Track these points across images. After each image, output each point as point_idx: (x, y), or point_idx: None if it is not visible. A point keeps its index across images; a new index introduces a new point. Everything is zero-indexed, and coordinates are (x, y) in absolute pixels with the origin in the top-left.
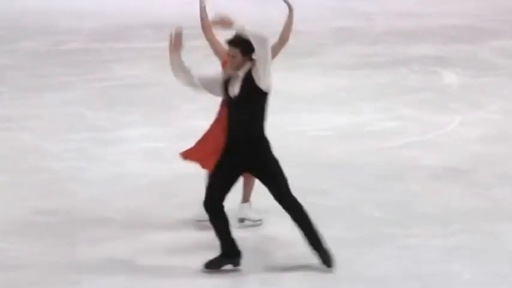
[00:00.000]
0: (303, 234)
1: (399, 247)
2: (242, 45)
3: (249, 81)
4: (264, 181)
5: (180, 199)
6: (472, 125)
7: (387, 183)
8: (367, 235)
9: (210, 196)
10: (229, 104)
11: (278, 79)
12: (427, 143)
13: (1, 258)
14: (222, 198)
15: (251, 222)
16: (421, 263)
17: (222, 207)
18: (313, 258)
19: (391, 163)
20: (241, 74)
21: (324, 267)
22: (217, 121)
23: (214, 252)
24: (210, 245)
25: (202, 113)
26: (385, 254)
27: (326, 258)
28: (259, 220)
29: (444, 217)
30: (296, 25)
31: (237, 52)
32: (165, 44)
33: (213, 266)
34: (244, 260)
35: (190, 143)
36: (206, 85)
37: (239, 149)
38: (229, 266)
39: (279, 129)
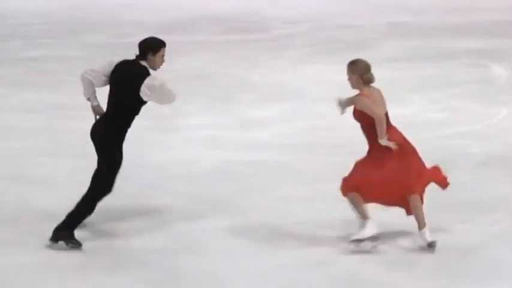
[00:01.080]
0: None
1: (445, 233)
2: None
3: None
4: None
5: (237, 185)
6: None
7: None
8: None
9: None
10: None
11: (330, 71)
12: (475, 132)
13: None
14: None
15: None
16: (468, 248)
17: None
18: None
19: (439, 152)
20: None
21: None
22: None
23: (278, 239)
24: (265, 232)
25: (259, 103)
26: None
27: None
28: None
29: (491, 204)
30: (347, 19)
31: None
32: (224, 38)
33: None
34: None
35: (248, 132)
36: None
37: None
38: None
39: (332, 119)
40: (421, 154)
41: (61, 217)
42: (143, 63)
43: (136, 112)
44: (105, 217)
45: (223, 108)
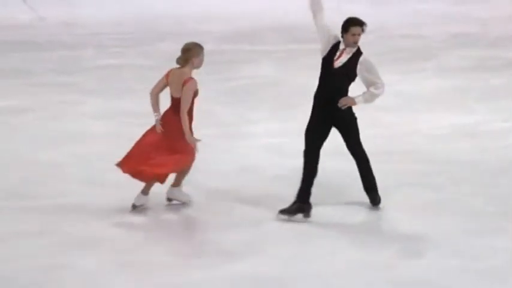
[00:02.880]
0: (363, 177)
1: (509, 239)
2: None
3: (354, 59)
4: (344, 133)
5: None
6: None
7: (498, 179)
8: (479, 227)
9: (308, 146)
10: (326, 71)
11: (397, 81)
12: None
13: (133, 242)
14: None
15: (179, 202)
16: None
17: (317, 158)
18: None
19: (502, 160)
20: (349, 50)
21: (372, 205)
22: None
23: (315, 242)
24: (322, 234)
25: None
26: (496, 245)
27: (375, 199)
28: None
29: None
30: (414, 30)
31: (361, 31)
32: (289, 47)
33: (287, 213)
34: None
35: None
36: (322, 32)
37: (331, 109)
38: (300, 217)
39: (397, 127)
40: (484, 162)
41: (129, 220)
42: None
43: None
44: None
45: (289, 116)
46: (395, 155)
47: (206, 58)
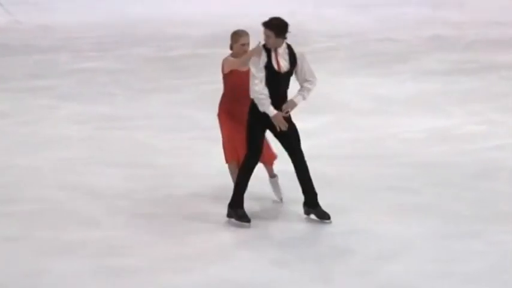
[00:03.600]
0: (303, 183)
1: (487, 243)
2: (275, 28)
3: (292, 58)
4: (281, 136)
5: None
6: None
7: (474, 183)
8: (455, 231)
9: (252, 152)
10: (272, 76)
11: (374, 84)
12: None
13: (109, 246)
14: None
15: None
16: (509, 258)
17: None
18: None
19: (478, 164)
20: (281, 51)
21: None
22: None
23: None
24: (298, 238)
25: (302, 115)
26: (473, 249)
27: (323, 214)
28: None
29: None
30: (390, 34)
31: (271, 34)
32: None
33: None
34: None
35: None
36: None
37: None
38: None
39: (375, 130)
40: (460, 166)
41: (106, 224)
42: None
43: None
44: (150, 228)
45: None
46: (372, 159)
47: (182, 62)
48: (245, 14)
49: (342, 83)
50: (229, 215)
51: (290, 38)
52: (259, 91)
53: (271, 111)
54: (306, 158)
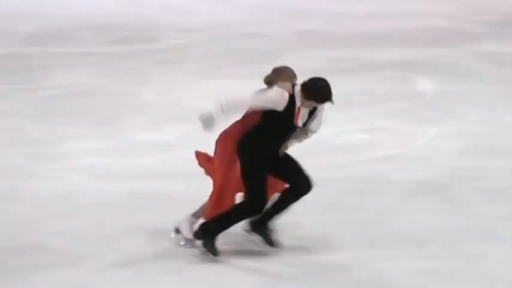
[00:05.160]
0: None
1: (371, 272)
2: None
3: (311, 112)
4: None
5: (127, 220)
6: (449, 137)
7: (358, 201)
8: (335, 259)
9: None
10: (286, 129)
11: (235, 87)
12: (401, 156)
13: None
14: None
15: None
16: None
17: None
18: None
19: (362, 179)
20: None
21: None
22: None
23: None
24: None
25: (151, 125)
26: (355, 279)
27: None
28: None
29: (420, 237)
30: (257, 28)
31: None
32: (109, 49)
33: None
34: None
35: (138, 158)
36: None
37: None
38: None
39: None
40: (341, 182)
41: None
42: None
43: None
44: None
45: (110, 131)
46: None
47: (6, 64)
48: (84, 5)
49: (199, 87)
50: (198, 237)
51: (135, 33)
52: (235, 99)
53: (215, 112)
54: (158, 176)
